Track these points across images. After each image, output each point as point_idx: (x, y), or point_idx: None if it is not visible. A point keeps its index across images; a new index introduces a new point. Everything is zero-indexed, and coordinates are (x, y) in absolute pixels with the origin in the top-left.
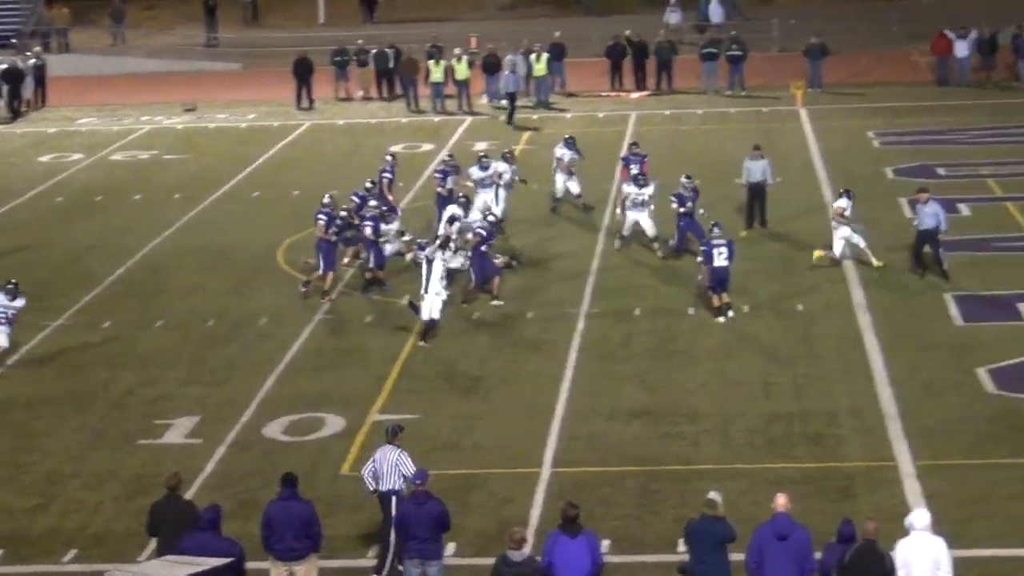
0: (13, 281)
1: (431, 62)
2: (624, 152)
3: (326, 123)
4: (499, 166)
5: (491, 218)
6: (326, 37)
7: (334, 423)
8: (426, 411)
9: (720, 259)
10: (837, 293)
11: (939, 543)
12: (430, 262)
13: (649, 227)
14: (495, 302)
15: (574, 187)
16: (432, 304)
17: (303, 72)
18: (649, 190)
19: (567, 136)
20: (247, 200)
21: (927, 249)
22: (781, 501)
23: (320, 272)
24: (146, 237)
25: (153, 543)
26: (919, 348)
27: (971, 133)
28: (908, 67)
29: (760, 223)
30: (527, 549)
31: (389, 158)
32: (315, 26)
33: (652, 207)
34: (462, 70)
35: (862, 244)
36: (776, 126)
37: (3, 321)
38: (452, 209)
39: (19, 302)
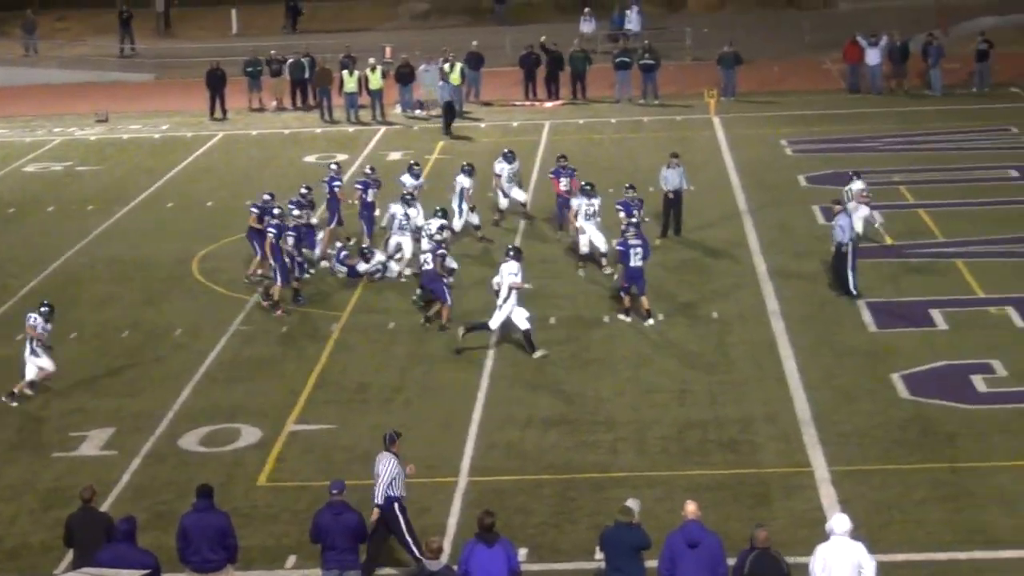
0: (47, 303)
1: (345, 72)
2: (554, 166)
3: (239, 133)
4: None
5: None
6: (239, 47)
7: (250, 434)
8: (343, 421)
9: (636, 259)
10: (751, 300)
11: (859, 548)
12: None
13: (602, 242)
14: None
15: (520, 195)
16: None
17: (216, 82)
18: (598, 200)
19: (506, 150)
20: (161, 211)
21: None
22: (691, 508)
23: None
24: (60, 249)
25: (70, 555)
26: (833, 354)
27: (883, 140)
28: (820, 75)
29: (675, 231)
30: (444, 558)
31: (334, 167)
32: (228, 36)
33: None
34: (376, 80)
35: (878, 223)
36: (690, 134)
37: (46, 343)
38: (436, 221)
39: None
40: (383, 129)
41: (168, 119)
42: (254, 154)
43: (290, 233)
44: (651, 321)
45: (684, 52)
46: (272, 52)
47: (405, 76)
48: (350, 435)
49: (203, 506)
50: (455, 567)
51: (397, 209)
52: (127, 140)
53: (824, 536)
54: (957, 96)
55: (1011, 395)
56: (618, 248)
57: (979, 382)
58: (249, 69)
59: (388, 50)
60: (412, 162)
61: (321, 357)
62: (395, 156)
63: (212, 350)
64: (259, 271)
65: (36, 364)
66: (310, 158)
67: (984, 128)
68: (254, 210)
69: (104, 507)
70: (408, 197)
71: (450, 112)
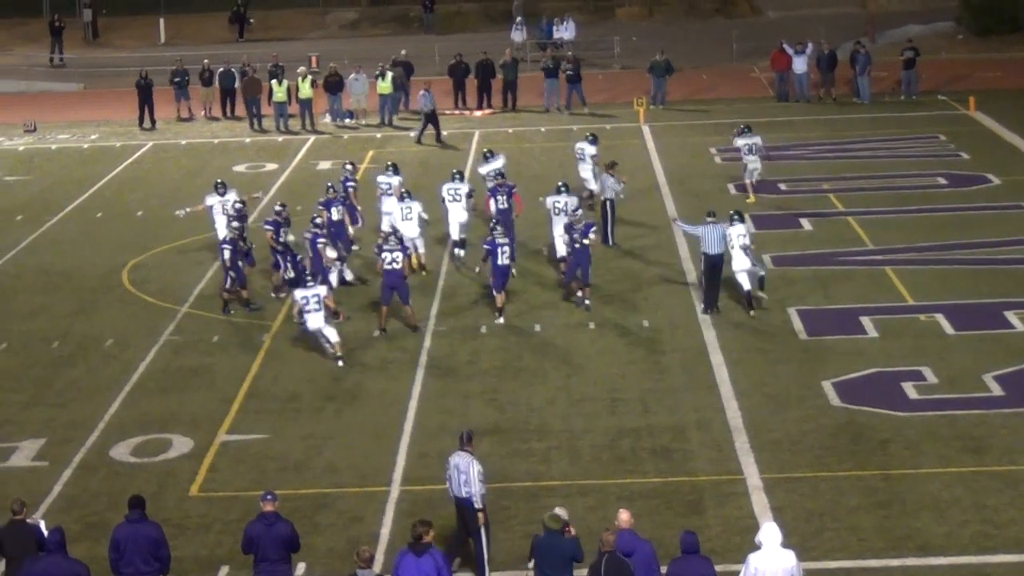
0: None
1: (274, 82)
2: (490, 184)
3: (169, 143)
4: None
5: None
6: (168, 57)
7: (181, 444)
8: (275, 431)
9: (503, 258)
10: (682, 308)
11: (790, 556)
12: None
13: (562, 246)
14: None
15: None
16: None
17: (145, 92)
18: (574, 200)
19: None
20: (90, 221)
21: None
22: (624, 517)
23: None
24: None
25: (2, 566)
26: (764, 362)
27: (812, 148)
28: (749, 83)
29: (609, 240)
30: (376, 568)
31: (349, 166)
32: (156, 45)
33: None
34: (305, 89)
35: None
36: (619, 143)
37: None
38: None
39: None
40: (313, 138)
41: (97, 129)
42: (184, 163)
43: (226, 246)
44: (501, 319)
45: (613, 60)
46: (205, 61)
47: (334, 85)
48: (282, 444)
49: (135, 517)
50: None
51: (392, 206)
52: (56, 150)
53: (755, 545)
54: (885, 104)
55: (942, 402)
56: (485, 247)
57: (910, 389)
58: (176, 79)
59: (314, 59)
60: (388, 163)
61: (252, 367)
62: (325, 165)
63: (143, 360)
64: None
65: None
66: (240, 167)
67: (912, 136)
68: (268, 227)
69: (35, 518)
70: (404, 193)
71: (433, 120)
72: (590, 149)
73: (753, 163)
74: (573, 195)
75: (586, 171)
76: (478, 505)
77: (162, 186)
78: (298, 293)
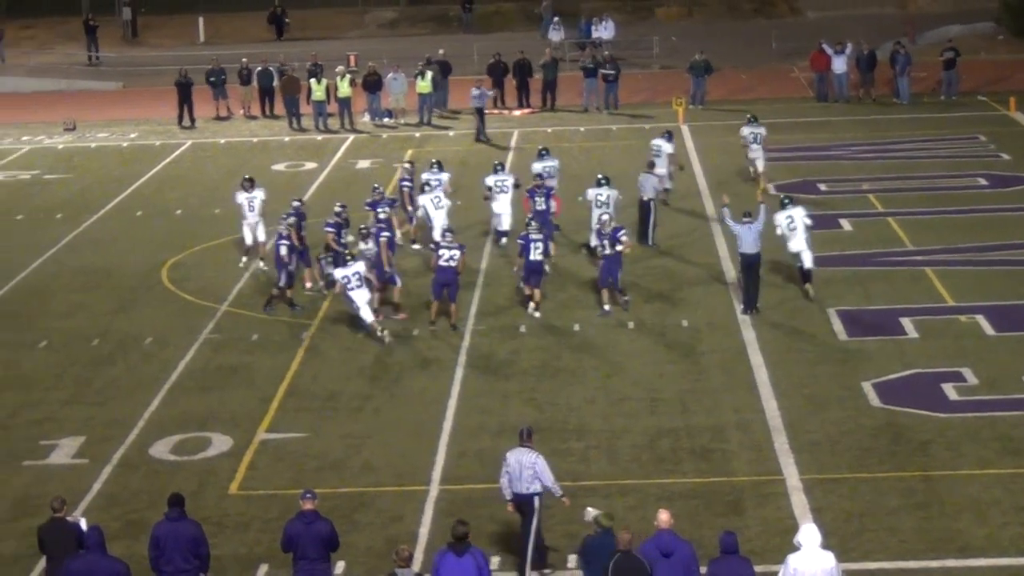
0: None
1: (313, 80)
2: (529, 185)
3: (208, 142)
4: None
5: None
6: (206, 56)
7: (221, 442)
8: (314, 429)
9: (535, 253)
10: (722, 309)
11: (829, 557)
12: None
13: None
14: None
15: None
16: None
17: (185, 91)
18: (613, 191)
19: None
20: (130, 219)
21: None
22: (664, 517)
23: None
24: (28, 258)
25: (42, 563)
26: (804, 363)
27: (852, 149)
28: (788, 83)
29: (649, 239)
30: (415, 567)
31: (408, 165)
32: (195, 44)
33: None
34: (344, 88)
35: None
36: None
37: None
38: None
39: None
40: (351, 137)
41: (136, 127)
42: (223, 162)
43: (283, 241)
44: (537, 313)
45: (652, 60)
46: (243, 60)
47: (373, 84)
48: (321, 443)
49: (175, 515)
50: (426, 575)
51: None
52: (95, 148)
53: (794, 546)
54: (925, 104)
55: (982, 403)
56: (519, 242)
57: (950, 390)
58: (212, 78)
59: (352, 58)
60: (433, 160)
61: (292, 365)
62: (363, 164)
63: (182, 358)
64: (309, 284)
65: None
66: (279, 166)
67: (952, 136)
68: (330, 228)
69: (76, 515)
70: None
71: (480, 117)
72: (667, 147)
73: (755, 152)
74: (613, 188)
75: (661, 168)
76: (558, 493)
77: (201, 185)
78: (339, 273)
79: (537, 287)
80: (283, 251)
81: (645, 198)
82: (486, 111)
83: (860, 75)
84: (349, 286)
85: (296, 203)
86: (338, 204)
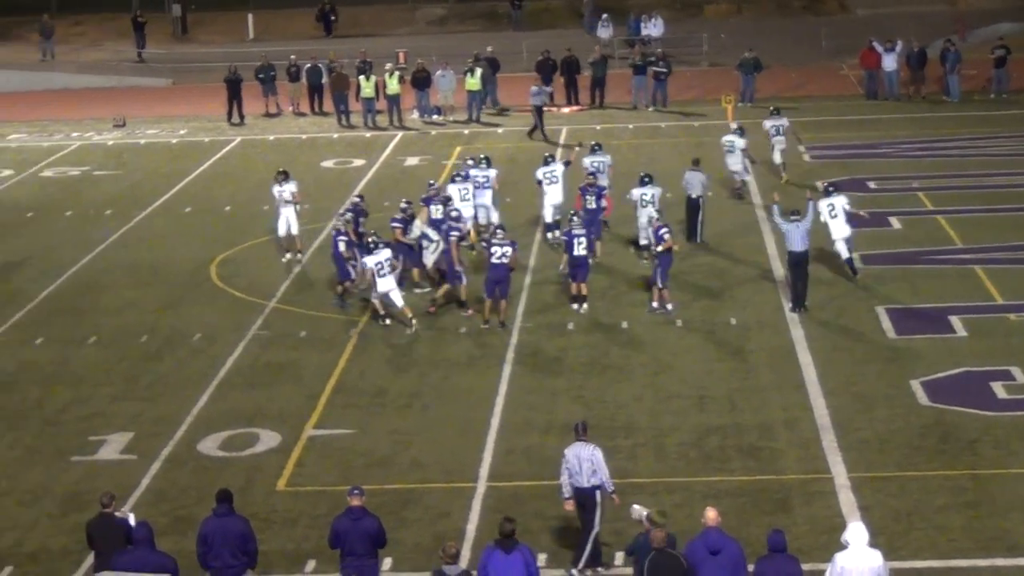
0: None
1: (362, 77)
2: (581, 183)
3: (257, 138)
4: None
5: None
6: (255, 52)
7: (269, 438)
8: (362, 426)
9: (580, 249)
10: (770, 307)
11: (876, 555)
12: None
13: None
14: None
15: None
16: None
17: (234, 87)
18: (657, 189)
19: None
20: (179, 216)
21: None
22: (712, 515)
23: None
24: (78, 254)
25: (91, 558)
26: (852, 361)
27: (901, 147)
28: (838, 81)
29: (698, 238)
30: (462, 563)
31: (470, 162)
32: (244, 41)
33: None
34: (393, 85)
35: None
36: (707, 140)
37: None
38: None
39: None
40: (400, 134)
41: (185, 124)
42: (272, 159)
43: (341, 237)
44: (584, 308)
45: (701, 58)
46: (291, 57)
47: (422, 81)
48: (369, 440)
49: (223, 511)
50: (473, 572)
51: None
52: (144, 145)
53: (842, 544)
54: (975, 102)
55: None
56: (563, 238)
57: (999, 389)
58: (261, 75)
59: (401, 55)
60: (482, 155)
61: (339, 362)
62: (412, 161)
63: (231, 355)
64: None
65: None
66: (328, 163)
67: (1003, 134)
68: (397, 224)
69: (125, 511)
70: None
71: (538, 115)
72: (739, 142)
73: (780, 144)
74: (657, 187)
75: (736, 163)
76: (610, 489)
77: (250, 181)
78: (370, 260)
79: (583, 282)
80: (341, 246)
81: (693, 195)
82: (545, 108)
83: (910, 73)
84: (382, 272)
85: (356, 199)
86: (404, 200)
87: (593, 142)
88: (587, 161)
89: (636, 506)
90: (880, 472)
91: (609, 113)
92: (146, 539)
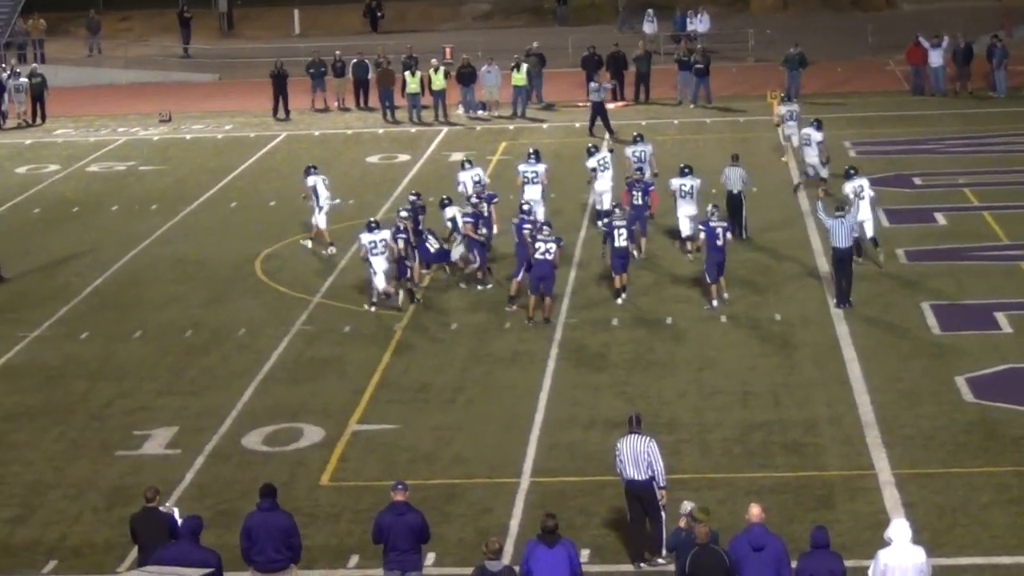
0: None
1: (407, 73)
2: (628, 176)
3: (302, 134)
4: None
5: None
6: (301, 48)
7: (313, 433)
8: (405, 422)
9: (620, 240)
10: (814, 303)
11: (919, 553)
12: None
13: (687, 226)
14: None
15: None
16: None
17: (280, 82)
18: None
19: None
20: (224, 211)
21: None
22: (755, 511)
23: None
24: (123, 248)
25: (135, 552)
26: (897, 357)
27: (947, 142)
28: (884, 77)
29: (742, 234)
30: (505, 559)
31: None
32: (290, 36)
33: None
34: (438, 81)
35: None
36: (752, 136)
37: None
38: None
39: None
40: (445, 130)
41: (231, 119)
42: (317, 154)
43: (401, 235)
44: (620, 300)
45: (747, 53)
46: (336, 52)
47: (467, 77)
48: (412, 435)
49: (267, 506)
50: (516, 568)
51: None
52: (190, 140)
53: (884, 541)
54: (1021, 98)
55: None
56: (603, 229)
57: None
58: (311, 70)
59: (448, 50)
60: (532, 149)
61: (383, 357)
62: (457, 156)
63: (275, 349)
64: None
65: None
66: (373, 158)
67: None
68: (469, 220)
69: (169, 505)
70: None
71: (601, 112)
72: (816, 135)
73: (791, 129)
74: (698, 177)
75: (813, 157)
76: (661, 483)
77: (295, 177)
78: (365, 238)
79: (623, 272)
80: (400, 244)
81: (735, 191)
82: (607, 103)
83: (957, 68)
84: (375, 251)
85: (413, 196)
86: (474, 196)
87: (635, 133)
88: (629, 151)
89: (686, 502)
90: (924, 469)
91: (654, 109)
92: (192, 532)
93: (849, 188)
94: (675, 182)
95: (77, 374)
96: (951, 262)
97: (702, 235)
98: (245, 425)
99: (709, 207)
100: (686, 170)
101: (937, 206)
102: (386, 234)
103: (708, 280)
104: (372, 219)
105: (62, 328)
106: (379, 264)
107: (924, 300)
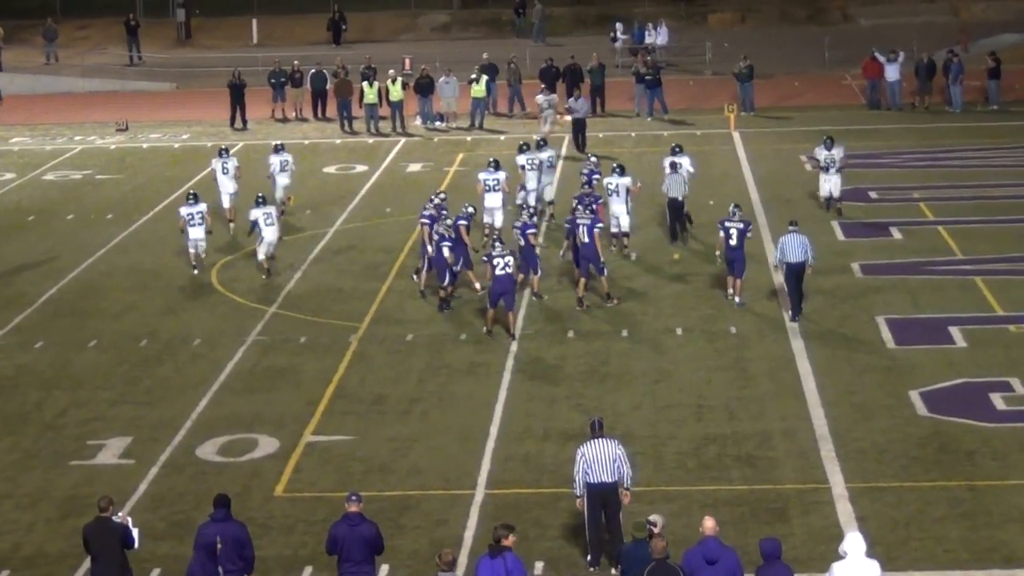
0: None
1: (365, 83)
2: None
3: (260, 143)
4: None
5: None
6: (259, 57)
7: (267, 444)
8: (361, 432)
9: (584, 236)
10: (769, 316)
11: (874, 566)
12: None
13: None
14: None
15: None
16: None
17: (237, 92)
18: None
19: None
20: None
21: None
22: (709, 524)
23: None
24: (79, 257)
25: (87, 562)
26: (852, 371)
27: (903, 157)
28: (840, 90)
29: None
30: (459, 571)
31: (594, 159)
32: (248, 46)
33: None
34: (396, 92)
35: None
36: (709, 148)
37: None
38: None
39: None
40: (403, 140)
41: (188, 128)
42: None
43: (446, 243)
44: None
45: (705, 67)
46: (295, 62)
47: (425, 88)
48: (367, 446)
49: (221, 516)
50: None
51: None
52: (147, 149)
53: (839, 554)
54: (977, 113)
55: None
56: (565, 225)
57: (998, 400)
58: (272, 80)
59: (407, 61)
60: (492, 159)
61: (339, 368)
62: (415, 168)
63: (230, 360)
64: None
65: None
66: (330, 169)
67: (1005, 145)
68: (464, 222)
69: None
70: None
71: (580, 127)
72: (836, 153)
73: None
74: (627, 176)
75: (835, 175)
76: (628, 485)
77: (251, 187)
78: (254, 212)
79: (584, 275)
80: (445, 252)
81: (679, 198)
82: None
83: (919, 83)
84: (268, 221)
85: (440, 198)
86: (471, 206)
87: (590, 154)
88: (521, 159)
89: (652, 516)
90: (878, 482)
91: (610, 121)
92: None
93: (821, 154)
94: (605, 180)
95: (31, 383)
96: (906, 276)
97: (720, 233)
98: (200, 435)
99: (731, 207)
100: (617, 169)
101: (892, 220)
102: (272, 209)
103: (728, 273)
104: (260, 195)
105: (16, 337)
106: (270, 234)
107: (879, 314)
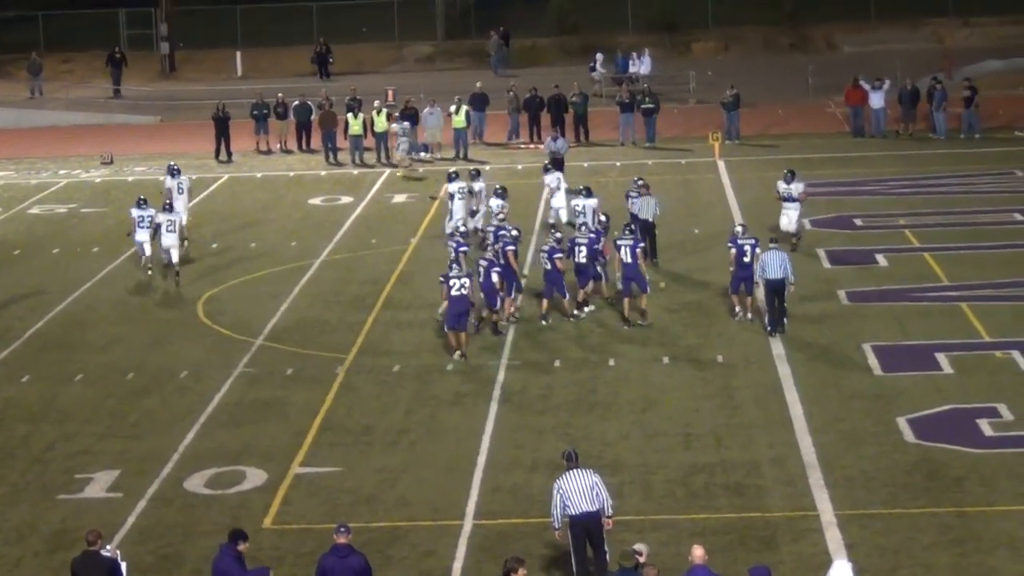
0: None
1: (350, 115)
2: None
3: (245, 176)
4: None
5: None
6: (244, 90)
7: (255, 476)
8: (348, 464)
9: (580, 256)
10: (757, 344)
11: None
12: None
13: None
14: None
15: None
16: None
17: (222, 125)
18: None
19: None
20: None
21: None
22: (698, 553)
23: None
24: (65, 291)
25: None
26: (839, 398)
27: (887, 184)
28: (825, 118)
29: (652, 257)
30: None
31: (640, 181)
32: (232, 79)
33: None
34: (381, 123)
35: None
36: (694, 177)
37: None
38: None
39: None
40: (388, 171)
41: (173, 161)
42: (259, 196)
43: (495, 268)
44: (587, 310)
45: (689, 95)
46: (279, 95)
47: (409, 119)
48: (355, 478)
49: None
50: None
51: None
52: (132, 182)
53: None
54: (961, 140)
55: (1018, 439)
56: (568, 244)
57: (985, 426)
58: (255, 112)
59: (390, 92)
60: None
61: (326, 399)
62: (400, 199)
63: (217, 392)
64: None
65: None
66: (315, 200)
67: (988, 172)
68: (511, 247)
69: (110, 549)
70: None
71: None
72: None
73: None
74: (593, 198)
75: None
76: (609, 512)
77: (237, 219)
78: (161, 217)
79: (584, 288)
80: (494, 277)
81: (650, 219)
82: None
83: (903, 110)
84: (170, 228)
85: (502, 220)
86: (515, 229)
87: (581, 186)
88: (574, 203)
89: (638, 545)
90: (866, 510)
91: (594, 151)
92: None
93: (782, 186)
94: (572, 202)
95: (18, 417)
96: (892, 303)
97: (732, 251)
98: (187, 468)
99: (738, 226)
100: (583, 191)
101: (878, 247)
102: (183, 217)
103: (730, 291)
104: (141, 196)
105: (3, 371)
106: (169, 240)
107: (865, 341)
